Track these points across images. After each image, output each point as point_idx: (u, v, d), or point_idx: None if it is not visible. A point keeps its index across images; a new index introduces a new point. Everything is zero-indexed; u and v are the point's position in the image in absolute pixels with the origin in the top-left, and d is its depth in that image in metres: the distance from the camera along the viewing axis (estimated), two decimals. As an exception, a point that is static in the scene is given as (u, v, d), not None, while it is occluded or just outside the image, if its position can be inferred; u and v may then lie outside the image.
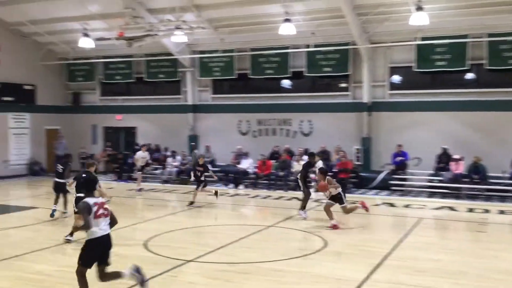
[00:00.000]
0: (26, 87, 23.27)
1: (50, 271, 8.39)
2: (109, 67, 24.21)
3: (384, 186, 18.31)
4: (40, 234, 11.60)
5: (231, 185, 19.61)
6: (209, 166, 20.88)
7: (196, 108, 22.88)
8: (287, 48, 20.58)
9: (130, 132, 24.77)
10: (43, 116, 24.26)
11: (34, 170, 23.41)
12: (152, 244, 10.35)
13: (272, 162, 19.65)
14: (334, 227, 11.80)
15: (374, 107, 19.64)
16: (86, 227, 6.41)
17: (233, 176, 19.80)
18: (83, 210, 6.44)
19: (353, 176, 18.48)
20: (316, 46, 19.84)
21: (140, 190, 18.40)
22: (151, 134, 23.72)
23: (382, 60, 19.64)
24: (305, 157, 19.37)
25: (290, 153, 19.75)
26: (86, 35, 20.13)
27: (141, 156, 19.09)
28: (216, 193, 15.68)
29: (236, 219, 14.57)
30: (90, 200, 6.48)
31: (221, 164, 21.09)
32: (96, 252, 6.50)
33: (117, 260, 9.34)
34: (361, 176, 18.80)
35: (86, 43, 20.25)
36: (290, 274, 8.35)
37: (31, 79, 23.50)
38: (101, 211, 6.50)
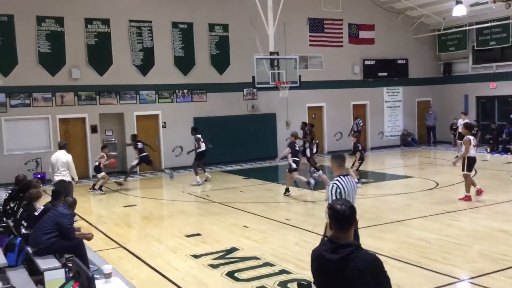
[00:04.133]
0: (399, 62, 24.34)
1: (431, 239, 8.57)
2: (483, 33, 22.82)
3: None
4: (417, 202, 12.04)
5: None
6: None
7: None
8: None
9: (505, 101, 22.90)
10: (415, 89, 24.96)
11: (406, 141, 24.45)
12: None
13: None
14: None
15: None
16: None
17: None
18: None
19: None
20: None
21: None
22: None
23: None
24: None
25: None
26: (459, 2, 19.52)
27: (460, 124, 19.30)
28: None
29: None
30: None
31: None
32: None
33: (500, 235, 8.90)
34: None
35: (459, 11, 19.67)
36: None
37: (403, 54, 24.42)
38: None
